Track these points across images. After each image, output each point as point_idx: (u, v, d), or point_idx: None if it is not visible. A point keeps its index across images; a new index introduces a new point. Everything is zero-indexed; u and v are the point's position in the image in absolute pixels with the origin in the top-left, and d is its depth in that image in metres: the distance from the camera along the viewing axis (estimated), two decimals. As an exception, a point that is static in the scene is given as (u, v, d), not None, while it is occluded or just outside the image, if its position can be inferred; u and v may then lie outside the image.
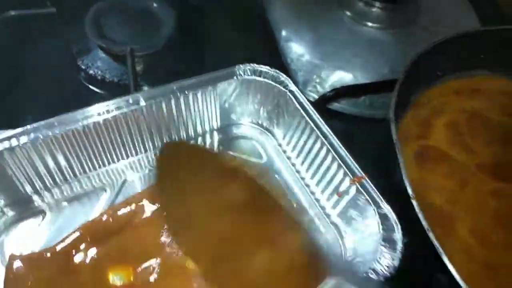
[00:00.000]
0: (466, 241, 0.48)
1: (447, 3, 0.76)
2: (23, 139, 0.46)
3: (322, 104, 0.63)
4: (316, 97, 0.64)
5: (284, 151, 0.57)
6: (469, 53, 0.60)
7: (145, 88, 0.63)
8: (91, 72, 0.67)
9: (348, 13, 0.71)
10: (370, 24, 0.70)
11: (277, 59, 0.68)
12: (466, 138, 0.56)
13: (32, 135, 0.46)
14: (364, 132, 0.62)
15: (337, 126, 0.59)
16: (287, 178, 0.55)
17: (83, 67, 0.68)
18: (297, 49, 0.69)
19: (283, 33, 0.70)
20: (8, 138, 0.45)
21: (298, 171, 0.55)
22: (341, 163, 0.48)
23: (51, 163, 0.49)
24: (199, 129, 0.56)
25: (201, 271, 0.44)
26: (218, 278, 0.44)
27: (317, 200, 0.52)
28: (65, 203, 0.50)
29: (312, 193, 0.53)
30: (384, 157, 0.52)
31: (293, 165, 0.55)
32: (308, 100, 0.61)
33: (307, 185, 0.53)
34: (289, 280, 0.44)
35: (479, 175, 0.53)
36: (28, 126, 0.46)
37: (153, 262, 0.46)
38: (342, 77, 0.65)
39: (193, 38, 0.72)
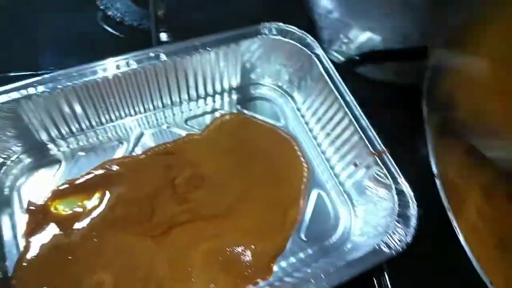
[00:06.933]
0: (474, 221, 0.48)
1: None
2: (41, 88, 0.45)
3: (347, 67, 0.60)
4: (340, 58, 0.61)
5: (303, 116, 0.55)
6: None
7: (165, 35, 0.61)
8: (109, 13, 0.65)
9: (384, -33, 0.66)
10: (406, -18, 0.65)
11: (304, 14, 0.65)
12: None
13: (50, 85, 0.45)
14: (389, 98, 0.59)
15: (360, 90, 0.57)
16: (303, 143, 0.54)
17: (101, 7, 0.65)
18: (326, 4, 0.65)
19: (313, -15, 0.66)
20: (26, 86, 0.44)
21: (315, 137, 0.54)
22: (363, 136, 0.47)
23: (67, 113, 0.48)
24: (217, 87, 0.55)
25: None
26: None
27: (332, 168, 0.52)
28: (80, 153, 0.50)
29: (328, 160, 0.52)
30: (409, 129, 0.50)
31: (311, 130, 0.54)
32: (333, 62, 0.58)
33: (323, 152, 0.53)
34: None
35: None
36: (46, 75, 0.45)
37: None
38: (370, 39, 0.62)
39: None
